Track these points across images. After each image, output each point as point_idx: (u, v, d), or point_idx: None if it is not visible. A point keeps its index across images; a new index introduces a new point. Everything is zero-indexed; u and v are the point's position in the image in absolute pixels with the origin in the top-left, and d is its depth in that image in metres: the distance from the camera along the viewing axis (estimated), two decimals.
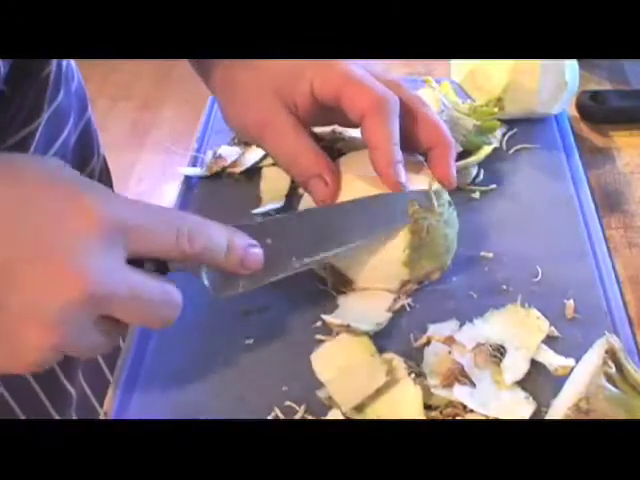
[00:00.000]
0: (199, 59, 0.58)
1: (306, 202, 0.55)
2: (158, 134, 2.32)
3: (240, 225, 0.46)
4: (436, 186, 0.52)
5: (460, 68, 0.69)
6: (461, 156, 0.61)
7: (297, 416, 0.46)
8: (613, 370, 0.42)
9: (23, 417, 0.64)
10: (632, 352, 0.49)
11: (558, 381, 0.46)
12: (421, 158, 0.55)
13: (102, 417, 0.47)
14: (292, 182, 0.62)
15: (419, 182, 0.51)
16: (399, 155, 0.50)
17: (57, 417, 0.68)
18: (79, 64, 0.69)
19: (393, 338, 0.50)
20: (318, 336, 0.50)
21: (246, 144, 0.65)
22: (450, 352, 0.47)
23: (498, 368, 0.47)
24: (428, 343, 0.49)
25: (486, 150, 0.63)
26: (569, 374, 0.46)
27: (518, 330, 0.49)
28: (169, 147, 0.89)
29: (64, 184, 0.39)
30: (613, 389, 0.41)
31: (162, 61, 2.44)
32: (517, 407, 0.45)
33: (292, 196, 0.61)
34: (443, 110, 0.62)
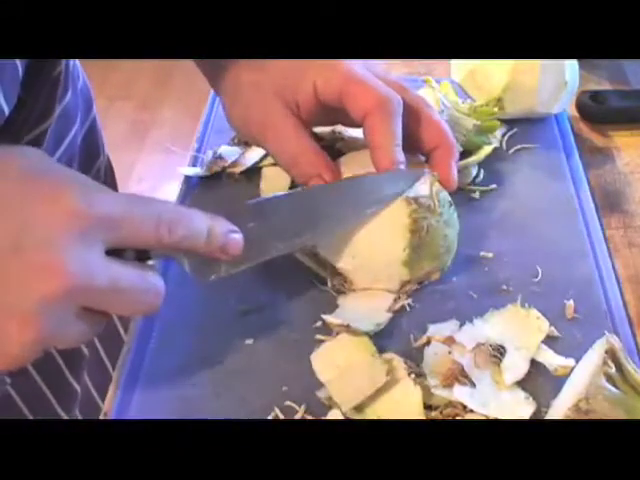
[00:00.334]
0: (204, 59, 0.58)
1: None
2: (158, 134, 2.32)
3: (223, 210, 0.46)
4: (437, 186, 0.52)
5: (460, 68, 0.69)
6: (461, 156, 0.60)
7: (297, 416, 0.46)
8: (613, 370, 0.42)
9: (29, 415, 0.64)
10: (632, 352, 0.49)
11: (558, 381, 0.46)
12: (422, 158, 0.55)
13: (102, 417, 0.47)
14: (292, 182, 0.62)
15: (419, 182, 0.51)
16: (401, 156, 0.50)
17: (63, 414, 0.69)
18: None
19: (393, 338, 0.50)
20: (318, 336, 0.50)
21: (246, 144, 0.65)
22: (450, 352, 0.48)
23: (498, 368, 0.47)
24: (428, 343, 0.49)
25: (486, 150, 0.63)
26: (569, 374, 0.46)
27: (518, 330, 0.49)
28: (169, 147, 0.89)
29: (45, 177, 0.39)
30: (613, 389, 0.41)
31: (162, 61, 2.44)
32: (517, 407, 0.45)
33: None
34: (443, 110, 0.62)
